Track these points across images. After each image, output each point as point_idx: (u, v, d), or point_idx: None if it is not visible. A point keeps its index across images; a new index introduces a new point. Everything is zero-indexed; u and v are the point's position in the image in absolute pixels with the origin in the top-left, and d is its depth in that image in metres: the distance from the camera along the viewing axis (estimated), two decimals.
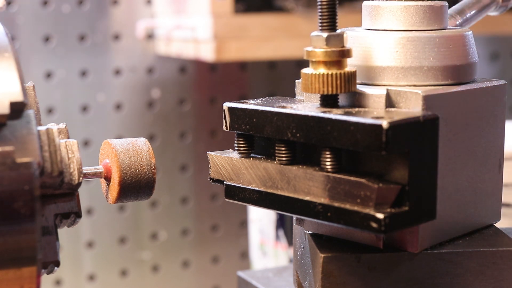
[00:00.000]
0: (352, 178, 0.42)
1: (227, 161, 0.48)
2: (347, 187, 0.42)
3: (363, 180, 0.41)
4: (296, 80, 0.48)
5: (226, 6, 0.99)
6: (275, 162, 0.45)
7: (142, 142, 0.49)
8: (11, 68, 0.39)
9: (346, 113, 0.42)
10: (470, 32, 0.47)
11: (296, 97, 0.49)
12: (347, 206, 0.42)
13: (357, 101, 0.45)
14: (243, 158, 0.47)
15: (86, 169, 0.47)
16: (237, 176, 0.48)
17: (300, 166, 0.44)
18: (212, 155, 0.49)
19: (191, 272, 1.25)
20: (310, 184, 0.44)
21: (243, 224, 1.24)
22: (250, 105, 0.46)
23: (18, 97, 0.38)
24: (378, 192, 0.41)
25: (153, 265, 1.23)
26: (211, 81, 1.21)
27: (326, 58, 0.44)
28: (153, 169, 0.48)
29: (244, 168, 0.47)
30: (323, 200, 0.43)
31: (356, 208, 0.41)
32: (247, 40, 1.00)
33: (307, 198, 0.43)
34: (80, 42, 1.15)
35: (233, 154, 0.48)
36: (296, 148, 0.45)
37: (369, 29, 0.47)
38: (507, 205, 0.72)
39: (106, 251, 1.21)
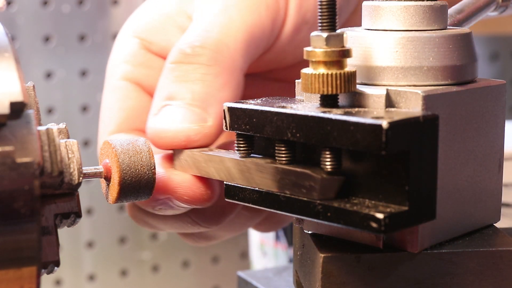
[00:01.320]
0: (298, 170, 0.43)
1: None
2: (294, 178, 0.44)
3: (308, 171, 0.43)
4: (296, 80, 0.48)
5: None
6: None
7: (142, 142, 0.49)
8: (11, 68, 0.39)
9: (346, 113, 0.42)
10: (470, 32, 0.47)
11: (296, 97, 0.49)
12: (347, 206, 0.42)
13: (357, 101, 0.45)
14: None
15: (86, 169, 0.47)
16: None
17: (255, 159, 0.46)
18: None
19: (191, 272, 1.25)
20: (262, 175, 0.45)
21: None
22: (250, 105, 0.46)
23: (18, 97, 0.38)
24: (322, 182, 0.42)
25: (153, 265, 1.23)
26: None
27: (326, 58, 0.44)
28: (153, 169, 0.48)
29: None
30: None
31: (355, 208, 0.42)
32: None
33: (305, 198, 0.44)
34: (80, 42, 1.15)
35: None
36: (296, 148, 0.45)
37: (369, 29, 0.47)
38: (507, 205, 0.72)
39: (106, 251, 1.21)
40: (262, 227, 0.63)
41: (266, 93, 0.61)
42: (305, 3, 0.57)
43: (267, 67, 0.60)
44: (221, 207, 0.55)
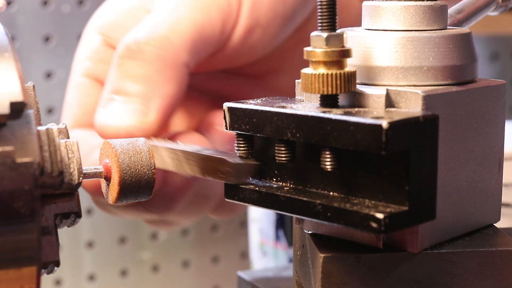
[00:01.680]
0: (216, 156, 0.47)
1: None
2: (214, 164, 0.47)
3: (223, 157, 0.46)
4: (296, 80, 0.48)
5: None
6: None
7: (142, 142, 0.49)
8: (11, 68, 0.39)
9: (346, 113, 0.42)
10: (470, 32, 0.47)
11: (296, 97, 0.49)
12: (347, 206, 0.42)
13: (357, 101, 0.45)
14: None
15: (86, 169, 0.47)
16: None
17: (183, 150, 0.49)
18: None
19: (191, 272, 1.25)
20: (189, 163, 0.48)
21: (243, 224, 1.24)
22: (250, 105, 0.46)
23: (18, 97, 0.38)
24: (235, 167, 0.46)
25: (153, 265, 1.23)
26: None
27: (326, 58, 0.44)
28: (153, 169, 0.48)
29: None
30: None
31: (355, 208, 0.42)
32: None
33: (305, 198, 0.44)
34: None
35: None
36: (296, 148, 0.45)
37: (369, 29, 0.47)
38: (507, 205, 0.72)
39: (106, 251, 1.21)
40: (218, 214, 0.65)
41: (229, 86, 0.64)
42: (259, 6, 0.59)
43: (221, 66, 0.63)
44: (169, 195, 0.58)
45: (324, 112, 0.43)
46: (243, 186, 0.47)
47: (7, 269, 0.39)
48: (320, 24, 0.44)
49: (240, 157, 0.47)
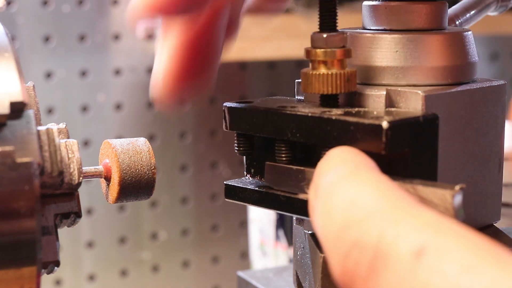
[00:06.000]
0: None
1: None
2: None
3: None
4: (296, 80, 0.48)
5: None
6: None
7: (142, 142, 0.49)
8: (11, 68, 0.39)
9: (346, 113, 0.42)
10: (470, 32, 0.47)
11: (296, 97, 0.49)
12: None
13: (357, 101, 0.45)
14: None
15: (86, 169, 0.47)
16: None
17: None
18: None
19: (191, 272, 1.25)
20: None
21: (243, 224, 1.24)
22: (250, 105, 0.46)
23: (18, 97, 0.38)
24: None
25: (153, 265, 1.23)
26: None
27: (326, 58, 0.44)
28: (153, 169, 0.48)
29: None
30: None
31: None
32: (247, 40, 1.00)
33: (305, 198, 0.43)
34: (80, 42, 1.15)
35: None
36: (296, 148, 0.45)
37: (369, 29, 0.47)
38: (507, 205, 0.72)
39: (106, 251, 1.21)
40: None
41: None
42: None
43: None
44: None
45: (324, 112, 0.43)
46: (243, 186, 0.47)
47: (7, 269, 0.39)
48: (320, 24, 0.44)
49: None
